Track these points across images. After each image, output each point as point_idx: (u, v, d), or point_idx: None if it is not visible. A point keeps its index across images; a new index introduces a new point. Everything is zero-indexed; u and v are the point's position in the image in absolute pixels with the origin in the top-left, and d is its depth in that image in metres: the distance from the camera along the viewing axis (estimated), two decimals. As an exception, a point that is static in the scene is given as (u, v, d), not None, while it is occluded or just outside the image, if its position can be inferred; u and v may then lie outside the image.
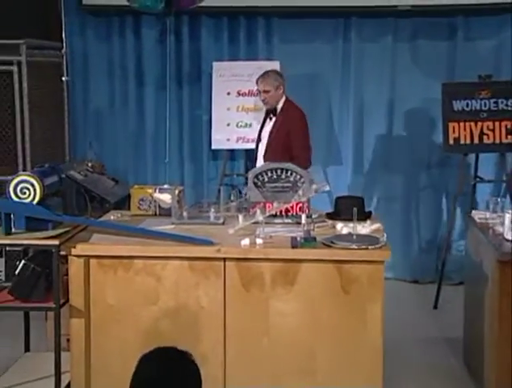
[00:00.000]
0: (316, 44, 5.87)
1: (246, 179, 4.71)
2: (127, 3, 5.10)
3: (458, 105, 5.06)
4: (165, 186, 3.91)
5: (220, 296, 3.20)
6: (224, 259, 3.19)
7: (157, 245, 3.25)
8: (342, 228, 3.44)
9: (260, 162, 4.70)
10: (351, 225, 3.32)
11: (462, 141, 5.06)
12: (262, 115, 4.94)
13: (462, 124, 5.06)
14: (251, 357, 3.22)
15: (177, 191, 3.71)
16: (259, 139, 4.81)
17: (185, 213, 3.68)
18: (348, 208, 3.47)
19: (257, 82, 4.77)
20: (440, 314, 5.05)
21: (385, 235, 3.27)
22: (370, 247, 3.16)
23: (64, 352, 3.29)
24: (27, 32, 5.13)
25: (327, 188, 3.53)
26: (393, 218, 5.76)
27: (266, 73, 4.78)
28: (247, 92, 5.60)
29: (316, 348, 3.19)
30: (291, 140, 4.61)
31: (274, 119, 4.73)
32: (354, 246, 3.16)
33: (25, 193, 3.26)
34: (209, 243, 3.22)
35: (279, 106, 4.72)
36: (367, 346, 3.16)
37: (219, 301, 3.21)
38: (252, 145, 5.10)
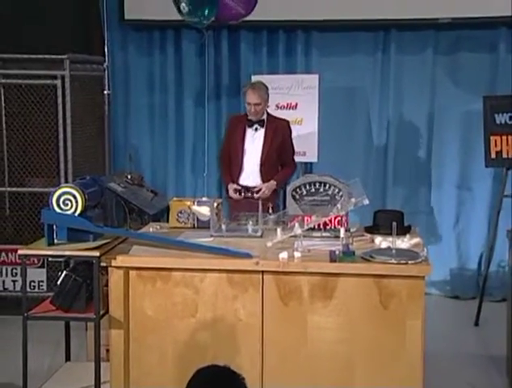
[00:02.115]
0: (356, 57, 5.85)
1: (227, 191, 4.69)
2: (168, 18, 5.16)
3: (500, 118, 4.99)
4: (204, 198, 3.93)
5: (258, 309, 3.20)
6: (263, 272, 3.19)
7: (196, 257, 3.27)
8: (381, 242, 3.41)
9: (253, 174, 4.62)
10: (390, 239, 3.28)
11: (504, 155, 4.99)
12: (302, 129, 4.89)
13: (504, 137, 4.98)
14: (289, 370, 3.20)
15: (215, 204, 3.73)
16: (242, 151, 4.62)
17: (223, 226, 3.70)
18: (387, 222, 3.43)
19: (244, 95, 4.63)
20: (482, 331, 4.95)
21: (425, 250, 3.23)
22: (410, 262, 3.12)
23: (103, 363, 3.32)
24: (70, 47, 5.25)
25: (366, 202, 3.49)
26: (433, 233, 5.68)
27: (256, 84, 4.64)
28: (286, 105, 5.58)
29: (354, 363, 3.16)
30: (284, 147, 4.66)
31: (261, 130, 4.63)
32: (393, 261, 3.13)
33: (67, 205, 3.31)
34: (247, 256, 3.22)
35: (264, 117, 4.66)
36: (406, 362, 3.12)
37: (257, 314, 3.20)
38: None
